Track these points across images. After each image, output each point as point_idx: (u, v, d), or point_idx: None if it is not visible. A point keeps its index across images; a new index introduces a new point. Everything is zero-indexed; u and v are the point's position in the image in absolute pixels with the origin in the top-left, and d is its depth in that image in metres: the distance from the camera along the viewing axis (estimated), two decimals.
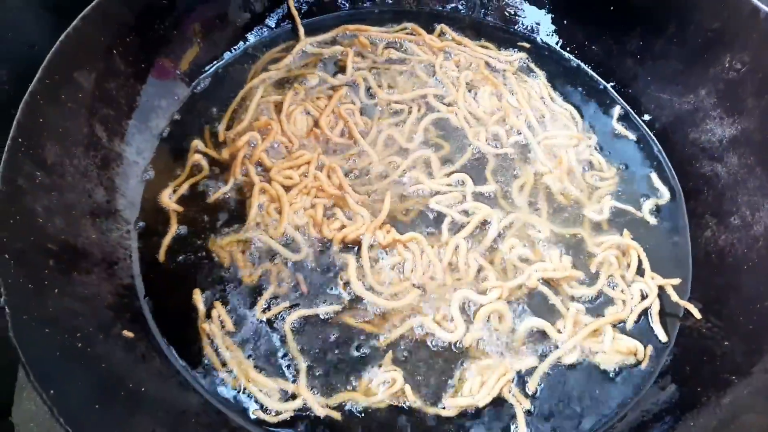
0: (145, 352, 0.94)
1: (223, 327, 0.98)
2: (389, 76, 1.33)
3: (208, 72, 1.29)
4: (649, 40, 1.29)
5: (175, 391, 0.92)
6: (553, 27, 1.43)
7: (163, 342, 0.97)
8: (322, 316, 1.01)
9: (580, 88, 1.36)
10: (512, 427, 0.94)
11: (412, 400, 0.94)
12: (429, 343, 1.00)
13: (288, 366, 0.96)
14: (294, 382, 0.94)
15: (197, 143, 1.18)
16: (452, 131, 1.26)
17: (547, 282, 1.08)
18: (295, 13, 1.37)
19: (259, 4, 1.34)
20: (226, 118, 1.23)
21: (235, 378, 0.94)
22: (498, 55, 1.38)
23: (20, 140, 0.89)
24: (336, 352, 0.98)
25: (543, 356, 1.01)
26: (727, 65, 1.17)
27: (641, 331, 1.05)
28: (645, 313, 1.07)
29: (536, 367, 0.99)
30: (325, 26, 1.38)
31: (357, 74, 1.32)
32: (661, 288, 1.08)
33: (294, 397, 0.93)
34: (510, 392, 0.96)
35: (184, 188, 1.12)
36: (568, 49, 1.42)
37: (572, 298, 1.07)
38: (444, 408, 0.95)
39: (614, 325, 1.04)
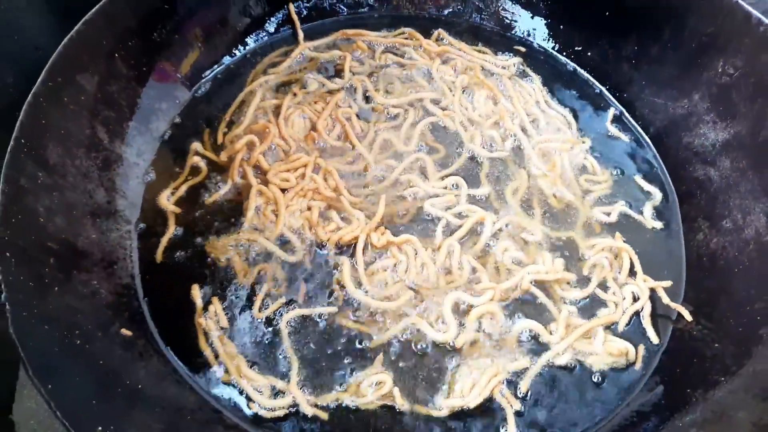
0: (142, 351, 0.96)
1: (218, 322, 1.00)
2: (386, 80, 1.35)
3: (208, 76, 1.31)
4: (645, 45, 1.31)
5: (171, 388, 0.94)
6: (549, 32, 1.44)
7: (161, 341, 0.99)
8: (316, 317, 1.02)
9: (575, 93, 1.38)
10: (502, 429, 0.95)
11: (400, 403, 0.95)
12: (421, 344, 1.02)
13: (280, 364, 0.98)
14: (284, 379, 0.96)
15: (196, 146, 1.20)
16: (448, 135, 1.28)
17: (539, 284, 1.09)
18: (294, 17, 1.40)
19: (259, 9, 1.36)
20: (225, 121, 1.25)
21: (227, 372, 0.96)
22: (494, 59, 1.40)
23: (23, 141, 0.91)
24: (328, 352, 1.00)
25: (535, 357, 1.02)
26: (720, 70, 1.18)
27: (633, 333, 1.06)
28: (637, 315, 1.08)
29: (528, 368, 1.00)
30: (323, 31, 1.40)
31: (355, 78, 1.33)
32: (653, 290, 1.09)
33: (284, 394, 0.94)
34: (501, 393, 0.98)
35: (183, 190, 1.14)
36: (564, 53, 1.43)
37: (564, 301, 1.08)
38: (436, 408, 0.96)
39: (606, 327, 1.06)
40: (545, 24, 1.44)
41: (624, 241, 1.15)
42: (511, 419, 0.95)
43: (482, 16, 1.48)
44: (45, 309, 0.85)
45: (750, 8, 1.12)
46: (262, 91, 1.29)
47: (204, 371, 0.97)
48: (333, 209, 1.14)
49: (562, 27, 1.42)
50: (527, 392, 0.98)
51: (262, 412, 0.93)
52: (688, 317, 1.05)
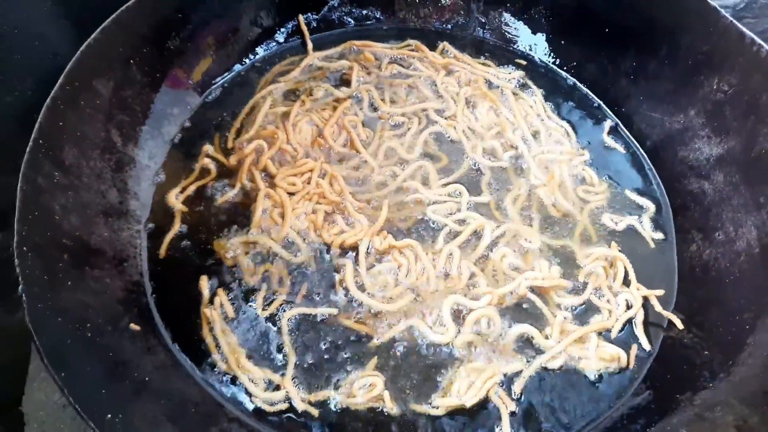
0: (150, 345, 0.99)
1: (223, 313, 1.04)
2: (392, 90, 1.39)
3: (219, 83, 1.35)
4: (643, 61, 1.34)
5: (177, 382, 0.97)
6: (550, 47, 1.49)
7: (168, 337, 1.02)
8: (317, 316, 1.05)
9: (575, 106, 1.42)
10: (496, 428, 0.98)
11: (390, 406, 0.98)
12: (420, 345, 1.05)
13: (278, 359, 1.01)
14: (280, 374, 0.99)
15: (208, 148, 1.24)
16: (451, 144, 1.32)
17: (536, 290, 1.12)
18: (304, 28, 1.44)
19: (269, 20, 1.41)
20: (235, 126, 1.29)
21: (226, 363, 0.99)
22: (497, 72, 1.44)
23: (41, 142, 0.95)
24: (326, 350, 1.02)
25: (529, 361, 1.05)
26: (715, 87, 1.22)
27: (625, 340, 1.09)
28: (630, 322, 1.11)
29: (522, 370, 1.03)
30: (332, 42, 1.45)
31: (361, 88, 1.38)
32: (645, 299, 1.12)
33: (278, 388, 0.98)
34: (496, 394, 1.01)
35: (191, 189, 1.18)
36: (564, 68, 1.47)
37: (560, 307, 1.11)
38: (433, 407, 0.99)
39: (599, 333, 1.08)
40: (546, 39, 1.49)
41: (619, 251, 1.18)
42: (505, 419, 0.98)
43: (485, 30, 1.52)
44: (59, 302, 0.88)
45: (744, 28, 1.15)
46: (272, 99, 1.33)
47: (208, 367, 1.00)
48: (337, 213, 1.18)
49: (563, 42, 1.47)
50: (521, 394, 1.01)
51: (264, 407, 0.96)
52: (680, 325, 1.08)
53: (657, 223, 1.24)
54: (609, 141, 1.36)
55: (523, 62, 1.47)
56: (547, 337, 1.07)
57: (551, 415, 1.00)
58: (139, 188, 1.16)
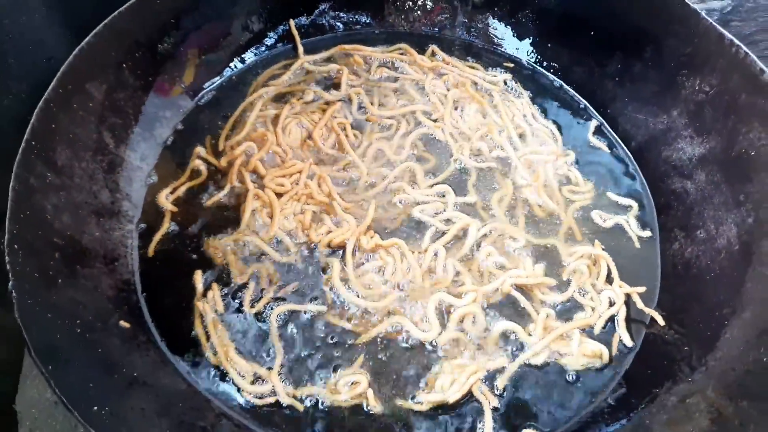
0: (139, 342, 1.01)
1: (214, 308, 1.06)
2: (381, 93, 1.42)
3: (210, 86, 1.38)
4: (628, 64, 1.37)
5: (166, 378, 0.99)
6: (537, 50, 1.51)
7: (157, 333, 1.04)
8: (305, 313, 1.07)
9: (561, 107, 1.44)
10: (479, 424, 1.00)
11: (373, 404, 1.00)
12: (405, 342, 1.07)
13: (265, 354, 1.03)
14: (267, 368, 1.01)
15: (200, 150, 1.26)
16: (438, 146, 1.34)
17: (520, 288, 1.14)
18: (295, 32, 1.47)
19: (260, 25, 1.43)
20: (226, 129, 1.31)
21: (216, 356, 1.01)
22: (484, 74, 1.47)
23: (33, 143, 0.98)
24: (313, 347, 1.04)
25: (513, 357, 1.06)
26: (697, 88, 1.24)
27: (608, 337, 1.11)
28: (612, 319, 1.12)
29: (506, 367, 1.05)
30: (322, 46, 1.47)
31: (351, 91, 1.40)
32: (628, 296, 1.14)
33: (264, 381, 1.00)
34: (479, 390, 1.02)
35: (182, 190, 1.20)
36: (551, 70, 1.49)
37: (544, 304, 1.13)
38: (417, 403, 1.01)
39: (582, 330, 1.10)
40: (533, 43, 1.51)
41: (603, 249, 1.20)
42: (488, 414, 1.00)
43: (473, 34, 1.55)
44: (49, 299, 0.91)
45: (723, 30, 1.18)
46: (263, 102, 1.36)
47: (196, 364, 1.02)
48: (325, 213, 1.20)
49: (549, 45, 1.49)
50: (504, 389, 1.03)
51: (250, 401, 0.98)
52: (661, 322, 1.10)
53: (641, 222, 1.26)
54: (594, 141, 1.38)
55: (511, 65, 1.50)
56: (530, 334, 1.09)
57: (534, 410, 1.02)
58: (131, 189, 1.19)
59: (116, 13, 1.15)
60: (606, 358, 1.07)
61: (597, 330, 1.11)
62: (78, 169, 1.08)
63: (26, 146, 0.97)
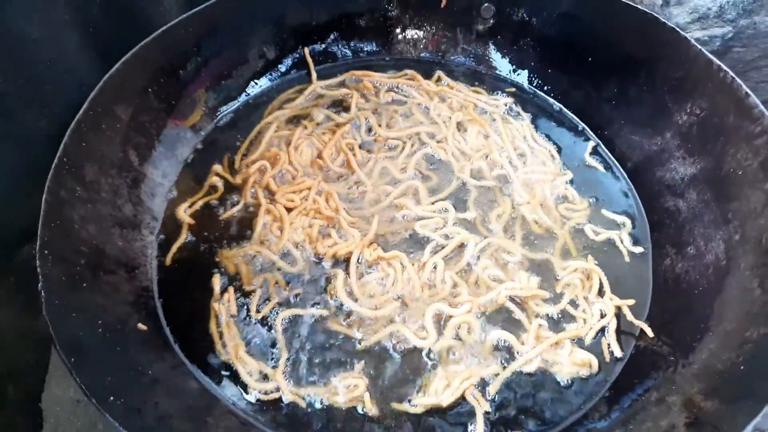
0: (155, 344, 1.09)
1: (228, 308, 1.14)
2: (388, 115, 1.50)
3: (228, 109, 1.48)
4: (623, 88, 1.43)
5: (178, 377, 1.06)
6: (538, 75, 1.58)
7: (171, 337, 1.12)
8: (309, 318, 1.14)
9: (560, 129, 1.50)
10: (470, 426, 1.05)
11: (369, 407, 1.05)
12: (403, 349, 1.12)
13: (271, 354, 1.10)
14: (272, 367, 1.08)
15: (217, 167, 1.36)
16: (441, 165, 1.41)
17: (515, 299, 1.19)
18: (309, 59, 1.57)
19: (274, 53, 1.53)
20: (242, 148, 1.41)
21: (227, 353, 1.09)
22: (487, 98, 1.54)
23: (65, 159, 1.08)
24: (316, 351, 1.11)
25: (506, 365, 1.11)
26: (688, 111, 1.29)
27: (598, 347, 1.15)
28: (603, 330, 1.17)
29: (498, 373, 1.10)
30: (333, 73, 1.57)
31: (360, 113, 1.48)
32: (618, 308, 1.18)
33: (269, 379, 1.07)
34: (472, 395, 1.07)
35: (199, 204, 1.29)
36: (551, 94, 1.56)
37: (537, 315, 1.18)
38: (411, 405, 1.07)
39: (573, 340, 1.15)
40: (534, 68, 1.58)
41: (597, 264, 1.24)
42: (480, 418, 1.04)
43: (478, 61, 1.63)
44: (74, 300, 0.99)
45: (711, 56, 1.23)
46: (277, 124, 1.45)
47: (206, 365, 1.09)
48: (332, 227, 1.28)
49: (549, 71, 1.56)
50: (496, 395, 1.08)
51: (255, 400, 1.05)
52: (650, 333, 1.14)
53: (634, 239, 1.31)
54: (592, 162, 1.44)
55: (513, 89, 1.57)
56: (523, 344, 1.14)
57: (523, 415, 1.06)
58: (153, 203, 1.28)
59: (142, 43, 1.25)
60: (595, 367, 1.12)
61: (588, 341, 1.15)
62: (104, 184, 1.18)
63: (58, 162, 1.06)
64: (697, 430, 0.89)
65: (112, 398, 0.88)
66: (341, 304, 1.17)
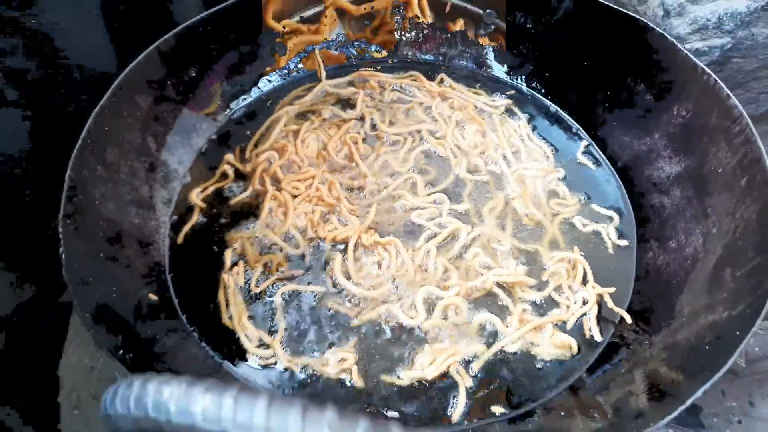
0: (164, 313, 1.18)
1: (236, 280, 1.23)
2: (392, 113, 1.58)
3: (242, 103, 1.58)
4: (615, 91, 1.49)
5: (183, 344, 1.15)
6: (536, 78, 1.65)
7: (179, 307, 1.21)
8: (308, 295, 1.22)
9: (555, 129, 1.57)
10: (452, 399, 1.11)
11: (356, 379, 1.12)
12: (394, 327, 1.20)
13: (271, 325, 1.18)
14: (271, 336, 1.16)
15: (229, 156, 1.45)
16: (439, 160, 1.49)
17: (502, 285, 1.26)
18: (319, 60, 1.66)
19: (285, 51, 1.63)
20: (253, 140, 1.50)
21: (231, 320, 1.18)
22: (487, 99, 1.62)
23: (88, 141, 1.18)
24: (312, 326, 1.19)
25: (490, 344, 1.18)
26: (675, 112, 1.35)
27: (578, 331, 1.21)
28: (584, 316, 1.23)
29: (483, 352, 1.17)
30: (341, 73, 1.66)
31: (365, 111, 1.57)
32: (600, 296, 1.24)
33: (267, 347, 1.15)
34: (456, 370, 1.14)
35: (211, 189, 1.39)
36: (548, 96, 1.63)
37: (523, 300, 1.25)
38: (399, 378, 1.14)
39: (555, 325, 1.21)
40: (533, 72, 1.66)
41: (583, 256, 1.31)
42: (462, 391, 1.11)
43: (477, 63, 1.71)
44: (91, 268, 1.08)
45: (696, 59, 1.30)
46: (286, 118, 1.54)
47: (210, 333, 1.18)
48: (333, 214, 1.36)
49: (547, 74, 1.63)
50: (478, 372, 1.14)
51: (254, 365, 1.13)
52: (629, 320, 1.20)
53: (620, 233, 1.37)
54: (584, 160, 1.50)
55: (511, 91, 1.64)
56: (507, 326, 1.20)
57: (503, 391, 1.13)
58: (168, 187, 1.37)
59: (163, 38, 1.36)
60: (575, 349, 1.18)
61: (569, 325, 1.21)
62: (124, 166, 1.28)
63: (82, 143, 1.16)
64: (658, 399, 0.95)
65: (121, 352, 0.96)
66: (338, 284, 1.25)
